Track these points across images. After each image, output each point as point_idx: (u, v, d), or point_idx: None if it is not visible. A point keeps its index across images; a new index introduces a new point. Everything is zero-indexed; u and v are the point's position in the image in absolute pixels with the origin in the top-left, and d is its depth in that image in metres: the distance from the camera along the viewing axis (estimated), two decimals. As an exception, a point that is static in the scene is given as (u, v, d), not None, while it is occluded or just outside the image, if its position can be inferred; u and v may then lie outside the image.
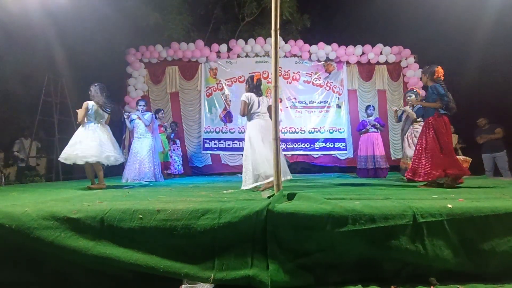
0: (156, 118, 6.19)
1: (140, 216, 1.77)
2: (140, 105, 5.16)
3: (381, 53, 7.52)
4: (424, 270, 1.74)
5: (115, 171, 5.94)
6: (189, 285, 1.66)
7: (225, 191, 3.05)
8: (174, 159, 6.63)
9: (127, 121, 5.19)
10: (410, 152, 4.51)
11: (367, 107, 5.99)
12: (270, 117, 3.62)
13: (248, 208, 1.75)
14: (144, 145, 4.99)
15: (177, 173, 6.61)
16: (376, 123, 5.73)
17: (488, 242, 1.76)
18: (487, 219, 1.77)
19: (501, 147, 6.04)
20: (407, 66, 7.53)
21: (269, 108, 3.56)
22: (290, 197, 2.10)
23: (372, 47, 7.50)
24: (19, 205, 1.96)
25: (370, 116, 5.89)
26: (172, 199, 2.26)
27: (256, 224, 1.72)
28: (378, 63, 7.64)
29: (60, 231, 1.76)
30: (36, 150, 6.83)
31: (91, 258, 1.70)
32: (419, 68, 7.39)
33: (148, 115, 5.10)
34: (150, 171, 4.92)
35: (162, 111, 6.39)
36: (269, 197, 2.18)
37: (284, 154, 7.18)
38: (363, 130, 5.85)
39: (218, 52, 7.61)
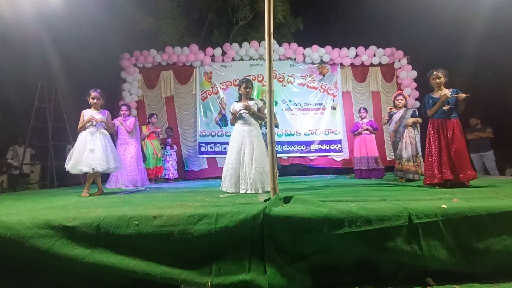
0: (148, 123, 6.17)
1: (136, 222, 1.76)
2: (122, 110, 5.09)
3: (374, 55, 7.58)
4: (421, 271, 1.75)
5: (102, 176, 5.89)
6: (186, 291, 1.66)
7: (221, 196, 3.05)
8: (172, 164, 6.65)
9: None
10: (406, 153, 4.56)
11: (359, 110, 6.14)
12: (258, 119, 3.57)
13: (245, 213, 1.76)
14: (128, 151, 4.91)
15: (172, 177, 6.63)
16: (369, 127, 5.86)
17: (483, 242, 1.78)
18: (481, 219, 1.79)
19: (488, 147, 6.19)
20: (400, 68, 7.61)
21: (260, 110, 3.53)
22: (287, 200, 2.11)
23: (366, 49, 7.56)
24: (14, 214, 1.94)
25: (363, 118, 6.02)
26: (168, 205, 2.26)
27: (252, 228, 1.72)
28: (371, 64, 7.71)
29: (55, 240, 1.74)
30: (30, 157, 6.77)
31: (88, 266, 1.68)
32: (412, 69, 7.49)
33: (130, 121, 5.04)
34: (134, 177, 4.85)
35: (155, 116, 6.31)
36: (265, 200, 2.19)
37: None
38: (356, 132, 6.00)
39: (213, 56, 7.62)
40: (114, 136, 5.19)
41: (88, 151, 3.55)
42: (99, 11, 6.09)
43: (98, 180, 3.79)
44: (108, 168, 3.63)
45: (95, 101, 3.73)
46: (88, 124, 3.65)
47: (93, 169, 3.52)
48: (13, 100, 6.48)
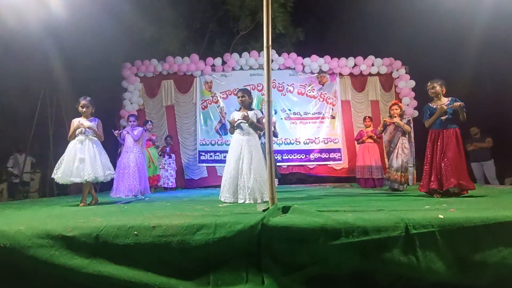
0: (144, 130, 6.19)
1: (135, 232, 1.77)
2: (131, 120, 5.24)
3: (372, 65, 7.67)
4: (418, 283, 1.75)
5: (106, 184, 5.89)
6: (184, 302, 1.66)
7: (220, 205, 3.06)
8: (171, 172, 6.67)
9: (119, 138, 5.21)
10: (396, 163, 4.59)
11: (365, 118, 6.19)
12: (257, 129, 3.59)
13: (243, 223, 1.77)
14: (131, 159, 4.95)
15: (170, 186, 6.64)
16: (373, 135, 5.90)
17: (479, 253, 1.77)
18: (478, 230, 1.79)
19: (489, 156, 6.23)
20: (398, 77, 7.69)
21: (259, 120, 3.56)
22: (285, 210, 2.12)
23: (364, 59, 7.66)
24: (14, 223, 1.95)
25: (368, 127, 6.06)
26: (168, 214, 2.27)
27: (250, 238, 1.73)
28: (370, 74, 7.79)
29: (54, 249, 1.75)
30: (31, 165, 6.79)
31: (86, 276, 1.69)
32: (410, 79, 7.56)
33: (138, 130, 5.12)
34: (137, 185, 4.86)
35: (149, 122, 6.26)
36: (264, 210, 2.20)
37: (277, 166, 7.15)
38: (360, 140, 6.04)
39: (213, 65, 7.71)
40: (121, 144, 5.25)
41: (78, 161, 3.48)
42: (102, 20, 6.18)
43: (92, 189, 3.77)
44: (96, 178, 3.54)
45: (84, 109, 3.67)
46: (77, 132, 3.61)
47: (85, 180, 3.49)
48: (15, 107, 6.53)
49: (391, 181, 4.60)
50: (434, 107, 3.50)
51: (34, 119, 6.21)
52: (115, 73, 7.48)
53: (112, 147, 6.08)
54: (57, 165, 3.54)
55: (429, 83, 3.56)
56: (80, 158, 3.50)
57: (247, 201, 3.27)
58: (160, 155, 6.54)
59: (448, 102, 3.44)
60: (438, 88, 3.49)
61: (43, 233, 1.79)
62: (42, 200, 4.76)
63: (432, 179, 3.38)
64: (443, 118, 3.43)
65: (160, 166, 6.54)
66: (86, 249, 1.75)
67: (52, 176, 3.54)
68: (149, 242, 1.74)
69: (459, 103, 3.35)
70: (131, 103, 7.46)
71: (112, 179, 4.23)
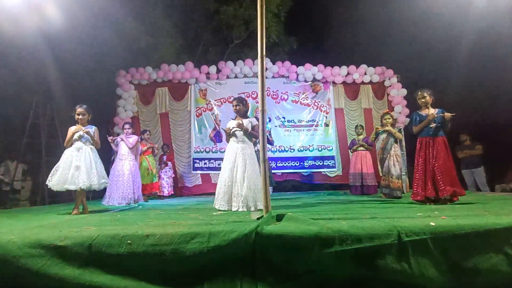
0: (141, 139, 6.16)
1: (129, 241, 1.76)
2: (125, 128, 5.22)
3: (365, 73, 7.79)
4: (412, 290, 1.76)
5: (98, 192, 5.82)
6: (178, 312, 1.65)
7: (214, 213, 3.05)
8: (167, 181, 6.63)
9: (112, 145, 5.19)
10: (395, 170, 4.64)
11: (356, 126, 6.27)
12: (252, 137, 3.63)
13: (237, 231, 1.77)
14: (125, 167, 4.92)
15: (167, 194, 6.60)
16: (364, 143, 5.97)
17: (470, 260, 1.80)
18: (468, 237, 1.82)
19: (479, 163, 6.32)
20: (390, 86, 7.81)
21: (254, 128, 3.59)
22: (279, 218, 2.13)
23: (357, 68, 7.78)
24: (5, 233, 1.93)
25: (359, 135, 6.14)
26: (161, 223, 2.26)
27: (245, 247, 1.73)
28: (363, 83, 7.90)
29: (46, 259, 1.73)
30: (22, 173, 6.69)
31: (78, 286, 1.67)
32: (402, 87, 7.69)
33: (132, 138, 5.11)
34: (130, 193, 4.82)
35: (147, 132, 6.33)
36: (258, 218, 2.20)
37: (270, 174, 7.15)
38: (353, 148, 6.11)
39: (208, 73, 7.75)
40: (115, 151, 5.22)
41: (74, 168, 3.47)
42: (97, 28, 6.19)
43: (84, 199, 3.72)
44: (90, 186, 3.52)
45: (80, 116, 3.66)
46: (76, 135, 3.60)
47: (80, 187, 3.46)
48: (8, 114, 6.46)
49: (392, 189, 4.60)
50: (423, 114, 3.57)
51: (26, 126, 6.15)
52: (109, 81, 7.46)
53: (106, 154, 6.03)
54: (52, 172, 3.51)
55: (419, 92, 3.64)
56: (76, 165, 3.49)
57: (240, 209, 3.28)
58: (158, 164, 6.51)
59: (436, 112, 3.53)
60: (428, 97, 3.58)
61: (35, 242, 1.77)
62: (33, 209, 4.68)
63: (427, 187, 3.41)
64: (432, 126, 3.50)
65: (158, 174, 6.51)
66: (79, 258, 1.73)
67: (46, 183, 3.51)
68: (142, 251, 1.73)
69: (450, 114, 3.43)
70: (125, 110, 7.43)
71: (105, 187, 4.20)
